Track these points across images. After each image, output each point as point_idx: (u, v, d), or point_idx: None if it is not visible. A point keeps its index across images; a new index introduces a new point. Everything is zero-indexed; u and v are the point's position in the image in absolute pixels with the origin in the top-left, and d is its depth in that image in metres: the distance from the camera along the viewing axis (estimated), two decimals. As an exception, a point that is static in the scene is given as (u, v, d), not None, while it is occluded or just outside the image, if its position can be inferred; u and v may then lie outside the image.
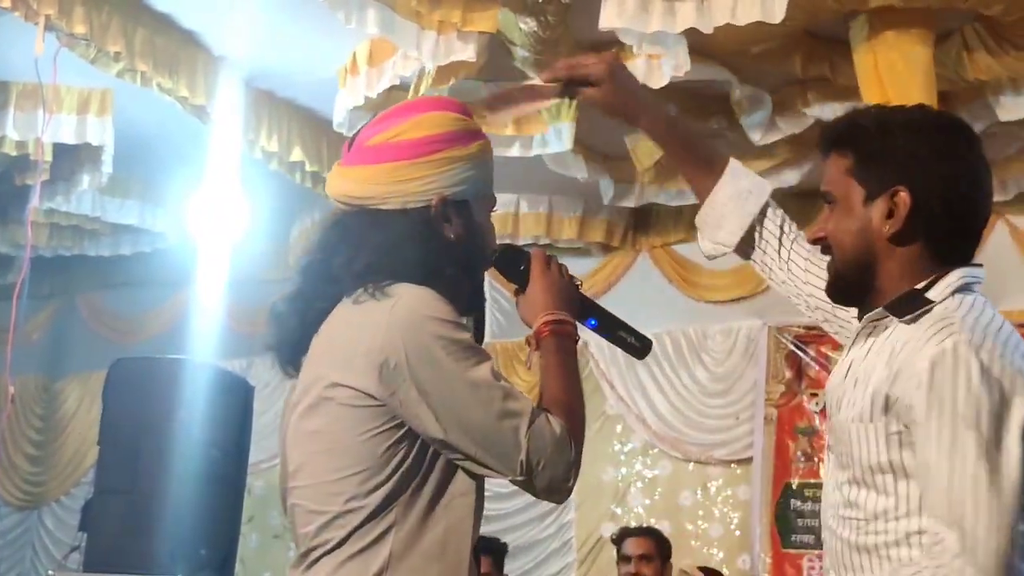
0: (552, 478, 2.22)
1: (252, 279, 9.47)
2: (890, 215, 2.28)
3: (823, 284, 2.53)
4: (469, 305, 2.46)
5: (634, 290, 9.53)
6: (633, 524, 8.69)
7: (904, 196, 2.26)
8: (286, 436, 2.37)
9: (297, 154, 8.00)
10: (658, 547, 6.90)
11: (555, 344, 2.36)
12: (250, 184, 8.37)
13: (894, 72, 6.07)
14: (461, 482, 2.25)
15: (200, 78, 7.27)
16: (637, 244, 9.97)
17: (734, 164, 2.78)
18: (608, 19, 5.91)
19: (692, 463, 9.61)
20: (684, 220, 9.71)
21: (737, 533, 9.33)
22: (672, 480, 9.65)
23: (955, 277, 2.25)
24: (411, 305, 2.23)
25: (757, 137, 7.55)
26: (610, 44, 6.70)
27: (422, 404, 2.18)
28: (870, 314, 2.32)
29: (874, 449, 2.20)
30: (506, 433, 2.18)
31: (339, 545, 2.22)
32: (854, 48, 6.28)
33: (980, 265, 2.31)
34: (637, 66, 6.55)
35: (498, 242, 2.54)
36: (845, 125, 2.43)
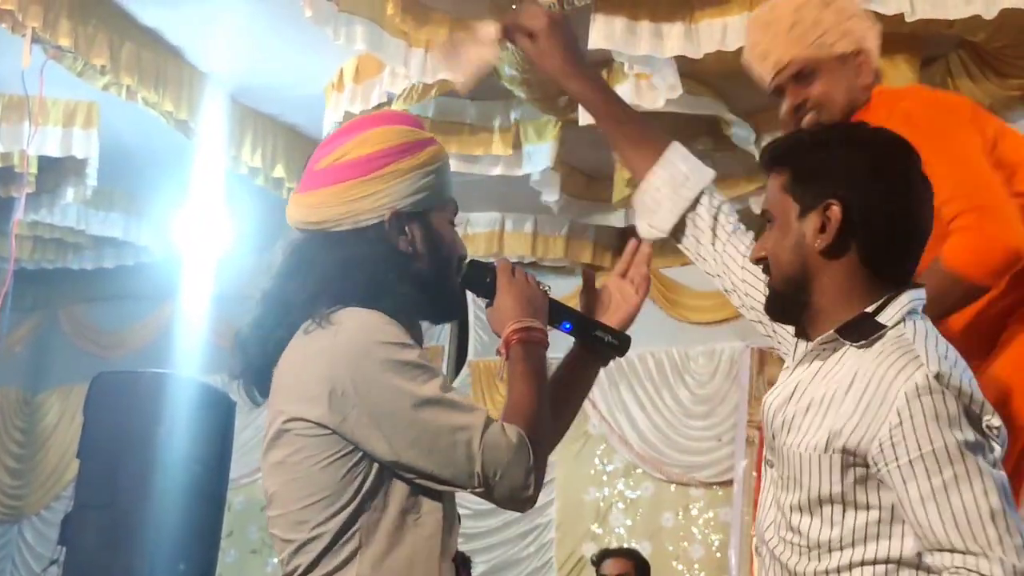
0: (511, 488, 2.18)
1: (236, 294, 9.42)
2: (823, 229, 2.24)
3: (760, 287, 2.55)
4: (442, 314, 2.47)
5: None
6: (614, 545, 8.71)
7: (836, 209, 2.22)
8: (262, 467, 2.38)
9: (281, 170, 8.00)
10: (637, 568, 6.91)
11: (522, 352, 2.33)
12: (234, 199, 8.36)
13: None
14: (425, 500, 2.25)
15: (185, 93, 7.27)
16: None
17: (675, 147, 2.74)
18: (596, 40, 5.94)
19: (674, 484, 9.62)
20: (669, 242, 9.67)
21: (718, 555, 9.33)
22: (654, 501, 9.65)
23: (906, 300, 2.23)
24: (354, 331, 2.22)
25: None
26: (600, 64, 6.73)
27: (372, 428, 2.18)
28: (821, 338, 2.26)
29: (826, 480, 2.17)
30: (459, 447, 2.16)
31: (308, 571, 2.23)
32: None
33: (923, 286, 2.29)
34: (627, 88, 6.58)
35: (470, 258, 2.51)
36: (784, 143, 2.42)
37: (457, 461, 2.17)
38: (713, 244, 2.71)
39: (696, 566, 9.38)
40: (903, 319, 2.21)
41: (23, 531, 11.61)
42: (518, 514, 9.72)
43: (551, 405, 2.46)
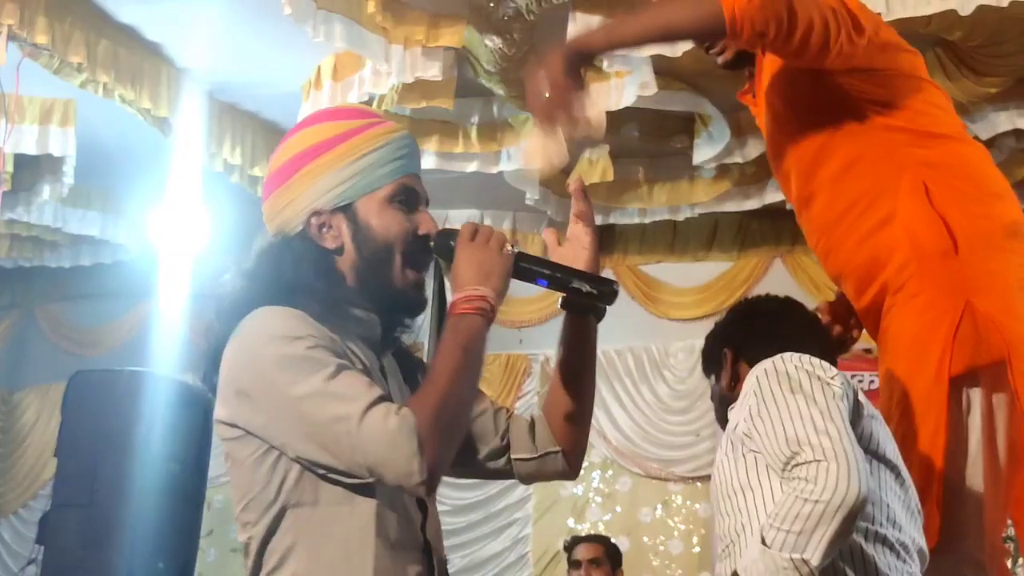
0: (396, 475, 2.09)
1: (213, 292, 9.43)
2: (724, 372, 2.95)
3: None
4: (390, 306, 2.41)
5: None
6: (590, 538, 8.71)
7: (727, 351, 2.96)
8: None
9: (258, 168, 7.99)
10: (608, 553, 6.93)
11: (453, 323, 2.24)
12: (212, 197, 8.35)
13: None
14: (355, 491, 2.20)
15: (163, 90, 7.25)
16: (601, 262, 9.97)
17: None
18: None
19: (652, 479, 9.63)
20: (648, 239, 9.78)
21: (697, 550, 9.35)
22: (632, 496, 9.66)
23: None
24: (247, 331, 2.24)
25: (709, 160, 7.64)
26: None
27: (272, 428, 2.18)
28: (730, 406, 2.85)
29: (728, 476, 2.59)
30: (340, 438, 2.11)
31: (255, 573, 2.26)
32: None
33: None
34: (606, 87, 6.59)
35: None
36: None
37: (342, 453, 2.12)
38: None
39: (675, 561, 9.40)
40: None
41: (0, 530, 11.57)
42: (497, 509, 9.78)
43: (564, 388, 2.50)
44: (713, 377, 3.02)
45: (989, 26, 6.03)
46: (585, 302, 2.46)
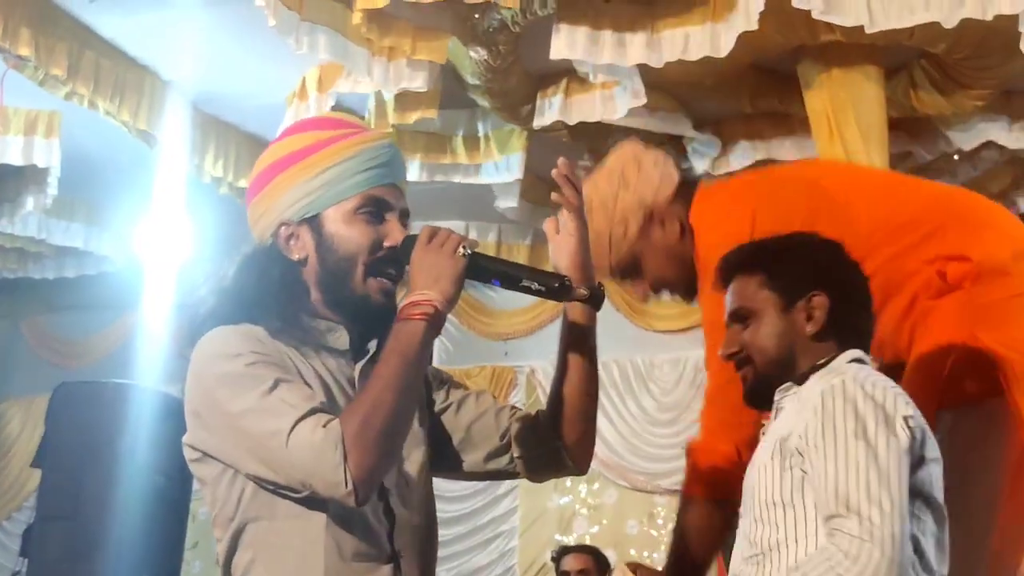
0: (325, 486, 2.10)
1: (187, 306, 9.41)
2: (809, 317, 2.57)
3: None
4: (356, 313, 2.39)
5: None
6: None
7: (821, 299, 2.57)
8: None
9: (244, 180, 7.98)
10: (596, 562, 6.93)
11: (396, 329, 2.23)
12: (196, 208, 8.34)
13: (842, 107, 6.15)
14: (308, 504, 2.20)
15: (147, 102, 7.25)
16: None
17: None
18: (559, 50, 5.96)
19: (638, 492, 9.63)
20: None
21: (682, 562, 9.34)
22: (618, 508, 9.67)
23: (850, 353, 2.55)
24: (198, 351, 2.27)
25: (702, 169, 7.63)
26: (562, 73, 6.75)
27: (220, 447, 2.21)
28: (780, 388, 2.59)
29: (770, 486, 2.44)
30: (275, 453, 2.12)
31: None
32: (803, 84, 6.35)
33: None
34: (593, 99, 6.61)
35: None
36: (748, 250, 2.71)
37: (279, 468, 2.13)
38: None
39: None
40: (847, 363, 2.54)
41: (-16, 542, 11.53)
42: (483, 521, 9.77)
43: (565, 382, 2.49)
44: (770, 292, 2.60)
45: (973, 39, 6.04)
46: (542, 296, 2.46)
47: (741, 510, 2.59)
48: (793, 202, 3.07)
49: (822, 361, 2.55)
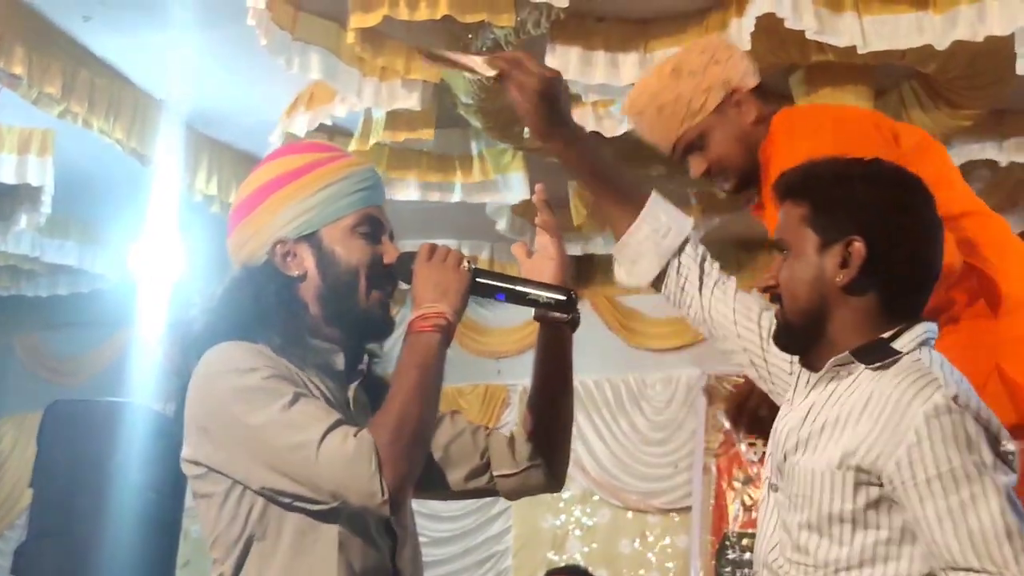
0: (360, 498, 2.11)
1: (178, 326, 9.39)
2: (844, 264, 2.26)
3: (752, 326, 2.58)
4: (358, 330, 2.42)
5: (575, 337, 9.52)
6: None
7: (859, 246, 2.24)
8: None
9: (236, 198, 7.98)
10: None
11: (409, 341, 2.25)
12: (189, 227, 8.34)
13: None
14: (319, 521, 2.21)
15: (140, 120, 7.26)
16: (580, 292, 9.99)
17: (655, 198, 2.71)
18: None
19: (631, 511, 9.63)
20: (625, 269, 9.79)
21: (675, 582, 9.35)
22: (611, 528, 9.66)
23: (920, 330, 2.26)
24: (204, 367, 2.26)
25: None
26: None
27: (233, 461, 2.20)
28: (836, 358, 2.27)
29: (837, 498, 2.18)
30: (301, 466, 2.13)
31: None
32: (795, 102, 6.37)
33: (935, 320, 2.32)
34: (586, 117, 6.62)
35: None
36: (802, 174, 2.41)
37: (305, 480, 2.13)
38: (700, 291, 2.67)
39: (653, 593, 9.40)
40: (918, 347, 2.24)
41: (-24, 561, 11.50)
42: (477, 541, 9.76)
43: (542, 401, 2.52)
44: (810, 228, 2.32)
45: (964, 59, 6.06)
46: (546, 310, 2.48)
47: (773, 480, 2.36)
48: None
49: (888, 336, 2.25)
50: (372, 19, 5.66)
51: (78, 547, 5.87)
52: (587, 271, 9.97)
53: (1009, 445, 2.12)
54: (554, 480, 2.59)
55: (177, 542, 6.53)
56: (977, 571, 2.05)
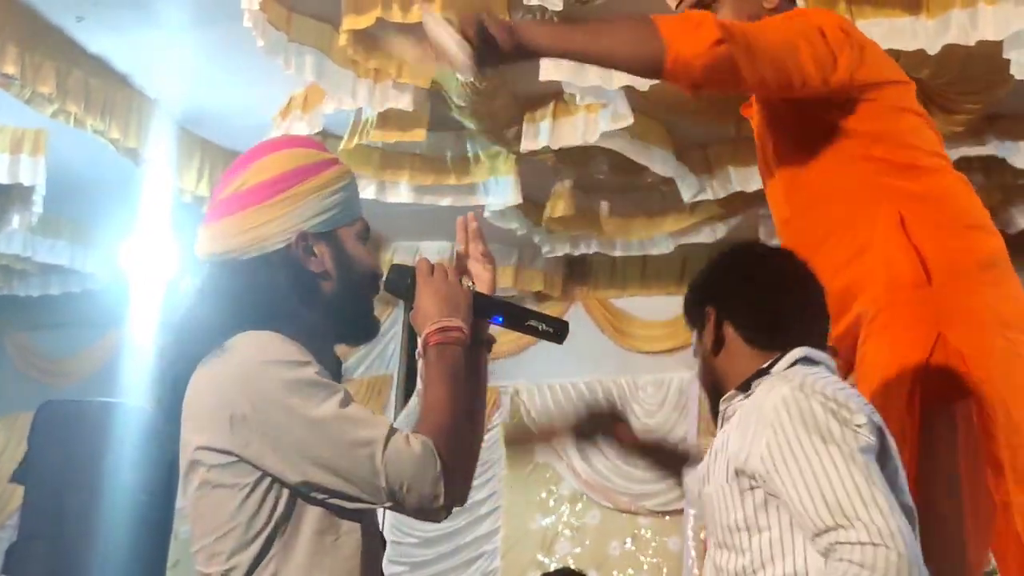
0: (419, 499, 2.15)
1: (177, 308, 9.39)
2: (713, 336, 2.56)
3: None
4: (356, 335, 2.44)
5: (567, 339, 9.52)
6: (560, 573, 8.71)
7: (709, 310, 2.57)
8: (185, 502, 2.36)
9: (230, 198, 7.98)
10: None
11: (436, 353, 2.30)
12: (181, 226, 8.34)
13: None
14: (342, 520, 2.22)
15: (133, 120, 7.26)
16: (572, 295, 10.02)
17: None
18: (547, 72, 5.99)
19: (622, 513, 9.63)
20: (618, 273, 9.81)
21: (665, 584, 9.36)
22: (601, 529, 9.66)
23: (796, 352, 2.47)
24: (248, 354, 2.22)
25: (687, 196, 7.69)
26: (546, 96, 6.77)
27: (275, 451, 2.16)
28: (725, 397, 2.52)
29: (731, 508, 2.34)
30: (362, 462, 2.13)
31: None
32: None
33: (817, 347, 2.52)
34: (579, 120, 6.64)
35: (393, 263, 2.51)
36: (685, 299, 2.71)
37: (362, 477, 2.13)
38: None
39: (643, 595, 9.40)
40: (790, 366, 2.44)
41: (-35, 561, 11.48)
42: (465, 541, 9.75)
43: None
44: (695, 333, 2.66)
45: (956, 64, 6.07)
46: (539, 337, 2.56)
47: (708, 532, 2.51)
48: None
49: (765, 365, 2.47)
50: (364, 21, 5.67)
51: (69, 547, 5.87)
52: (579, 274, 9.98)
53: (859, 418, 2.27)
54: (458, 500, 2.58)
55: (167, 543, 6.52)
56: (833, 528, 2.18)
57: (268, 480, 2.19)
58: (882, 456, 2.30)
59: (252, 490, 2.19)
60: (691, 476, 2.57)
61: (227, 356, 2.22)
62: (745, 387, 2.47)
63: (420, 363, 2.33)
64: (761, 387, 2.41)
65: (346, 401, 2.18)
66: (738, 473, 2.33)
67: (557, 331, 2.53)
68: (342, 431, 2.15)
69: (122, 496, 5.92)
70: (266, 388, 2.17)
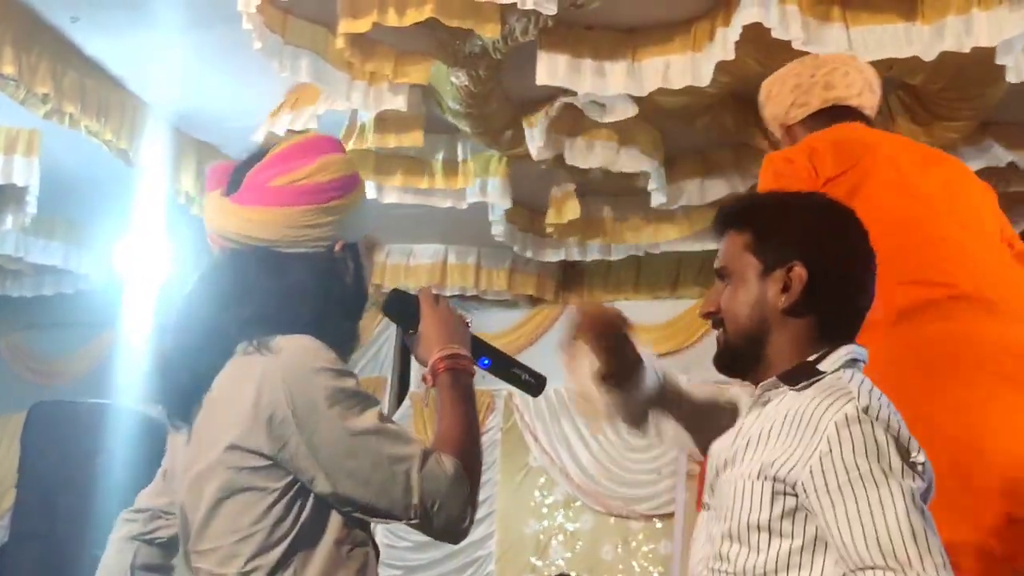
0: (448, 519, 2.17)
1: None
2: (785, 289, 2.35)
3: None
4: (353, 347, 2.43)
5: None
6: (552, 576, 8.73)
7: (800, 271, 2.33)
8: (184, 500, 2.32)
9: (223, 200, 7.97)
10: None
11: (450, 379, 2.32)
12: (175, 228, 8.35)
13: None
14: (358, 531, 2.24)
15: (128, 122, 7.25)
16: (565, 299, 10.02)
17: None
18: (542, 76, 5.99)
19: (614, 517, 9.64)
20: (612, 277, 9.81)
21: (657, 588, 9.36)
22: (594, 534, 9.67)
23: (844, 351, 2.33)
24: (295, 357, 2.19)
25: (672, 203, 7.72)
26: (542, 100, 6.77)
27: (311, 458, 2.16)
28: (764, 383, 2.36)
29: (755, 506, 2.25)
30: (398, 478, 2.14)
31: None
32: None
33: (862, 346, 2.39)
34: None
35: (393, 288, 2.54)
36: (743, 204, 2.53)
37: (394, 493, 2.14)
38: None
39: (635, 599, 9.41)
40: (841, 367, 2.30)
41: (-43, 561, 11.46)
42: (459, 546, 9.75)
43: None
44: (736, 256, 2.43)
45: (950, 70, 6.08)
46: (518, 387, 2.60)
47: (706, 499, 2.43)
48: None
49: (813, 358, 2.32)
50: (361, 25, 5.66)
51: (61, 548, 5.87)
52: (574, 278, 9.98)
53: (920, 456, 2.16)
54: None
55: (160, 544, 6.53)
56: (881, 568, 2.09)
57: (297, 487, 2.19)
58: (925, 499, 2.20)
59: (281, 496, 2.19)
60: (719, 443, 2.42)
61: (272, 356, 2.19)
62: (792, 380, 2.32)
63: (424, 388, 2.36)
64: (815, 391, 2.27)
65: (384, 416, 2.20)
66: (775, 477, 2.22)
67: (538, 384, 2.57)
68: (380, 445, 2.16)
69: (114, 496, 5.91)
70: (311, 395, 2.16)
